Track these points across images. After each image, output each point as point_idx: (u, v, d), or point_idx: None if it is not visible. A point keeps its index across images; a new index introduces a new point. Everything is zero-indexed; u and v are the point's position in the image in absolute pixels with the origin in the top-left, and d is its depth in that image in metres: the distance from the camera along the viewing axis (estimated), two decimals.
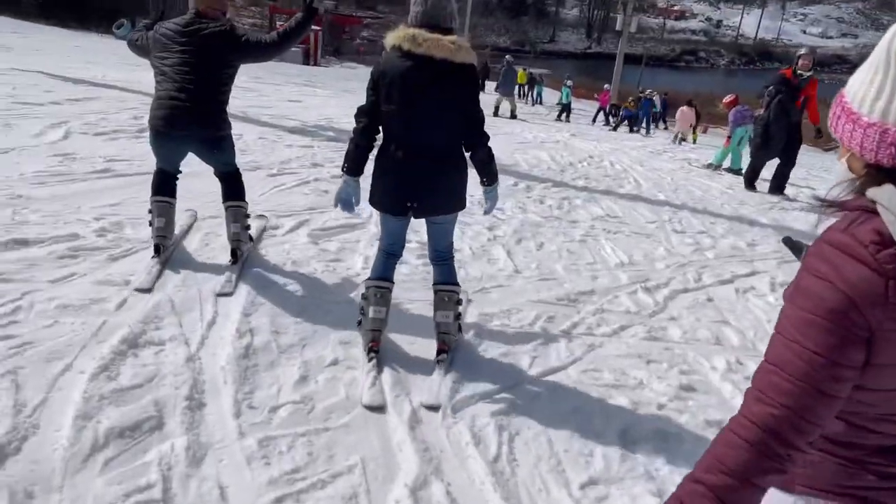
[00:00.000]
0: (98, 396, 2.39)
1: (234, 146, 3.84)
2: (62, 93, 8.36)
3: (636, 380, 3.11)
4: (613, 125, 19.84)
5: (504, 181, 6.54)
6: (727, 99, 11.06)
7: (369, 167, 2.89)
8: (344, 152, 2.87)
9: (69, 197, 4.49)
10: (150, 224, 3.76)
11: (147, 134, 3.66)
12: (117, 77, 11.85)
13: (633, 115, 20.27)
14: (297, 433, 2.40)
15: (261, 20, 52.36)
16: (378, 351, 2.92)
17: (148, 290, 3.30)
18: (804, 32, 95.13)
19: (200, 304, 3.24)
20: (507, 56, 19.30)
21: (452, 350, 3.03)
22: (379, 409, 2.62)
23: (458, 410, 2.66)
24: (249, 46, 3.59)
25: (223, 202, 3.88)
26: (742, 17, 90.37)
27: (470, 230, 4.94)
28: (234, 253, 3.77)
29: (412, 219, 2.92)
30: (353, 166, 2.83)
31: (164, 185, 3.78)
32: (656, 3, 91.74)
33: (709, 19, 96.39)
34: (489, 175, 2.90)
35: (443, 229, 2.97)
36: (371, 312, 2.93)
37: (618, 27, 42.70)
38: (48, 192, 4.52)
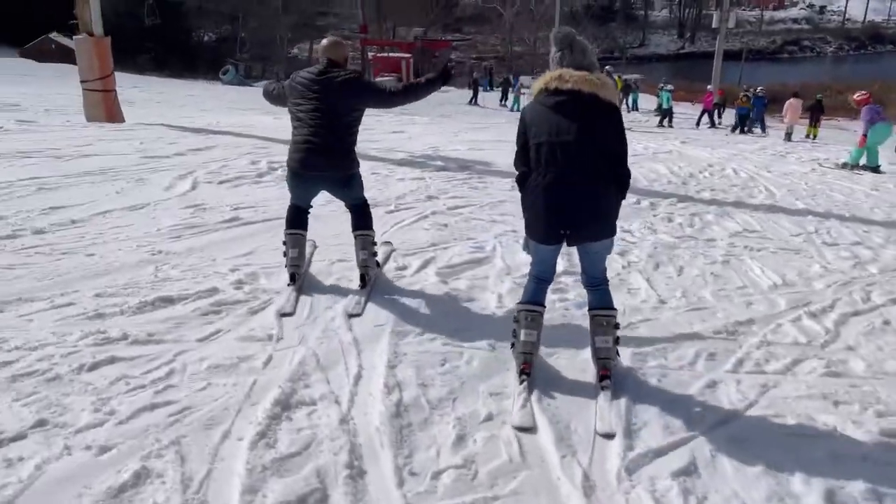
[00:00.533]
0: (260, 467, 2.32)
1: (362, 182, 4.13)
2: (184, 143, 8.80)
3: (827, 426, 2.75)
4: (732, 127, 18.24)
5: (626, 199, 6.26)
6: (858, 96, 10.20)
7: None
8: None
9: (204, 249, 4.60)
10: (285, 255, 4.03)
11: (266, 178, 3.84)
12: (230, 122, 12.43)
13: (747, 113, 18.76)
14: (464, 503, 2.23)
15: (353, 52, 54.28)
16: (529, 374, 2.96)
17: (291, 314, 3.60)
18: None
19: (344, 356, 3.16)
20: (607, 66, 18.83)
21: (613, 375, 3.00)
22: (529, 430, 2.65)
23: (634, 471, 2.41)
24: (374, 93, 3.91)
25: (353, 231, 4.14)
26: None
27: None
28: (363, 278, 4.02)
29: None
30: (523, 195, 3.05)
31: (297, 218, 4.11)
32: None
33: (811, 6, 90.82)
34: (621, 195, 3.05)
35: (597, 256, 3.06)
36: (522, 335, 2.99)
37: (714, 24, 41.02)
38: (185, 245, 4.65)
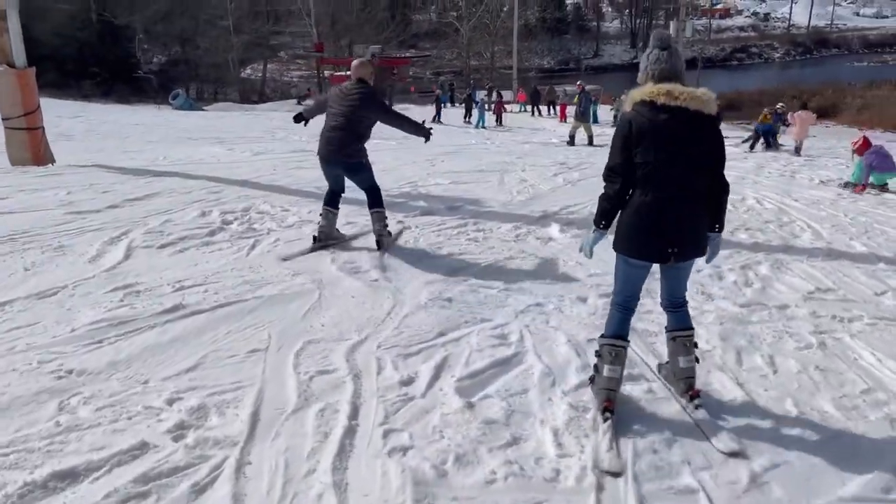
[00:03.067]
0: None
1: (371, 172, 5.35)
2: (120, 191, 7.47)
3: None
4: (750, 144, 16.31)
5: None
6: (856, 141, 9.45)
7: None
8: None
9: (133, 362, 3.36)
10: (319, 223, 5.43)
11: (219, 238, 5.44)
12: (177, 157, 11.11)
13: (770, 129, 16.49)
14: None
15: (308, 71, 52.82)
16: (613, 412, 2.86)
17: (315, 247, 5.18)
18: (858, 15, 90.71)
19: None
20: (578, 81, 17.95)
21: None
22: (616, 474, 2.50)
23: None
24: (381, 109, 5.30)
25: (369, 209, 5.38)
26: (791, 6, 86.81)
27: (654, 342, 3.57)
28: (378, 243, 5.34)
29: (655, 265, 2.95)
30: (608, 223, 2.93)
31: (331, 198, 5.43)
32: (699, 5, 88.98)
33: (755, 13, 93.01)
34: (721, 221, 2.98)
35: (685, 274, 3.06)
36: (606, 371, 2.92)
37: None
38: (106, 358, 3.39)
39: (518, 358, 3.48)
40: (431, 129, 5.54)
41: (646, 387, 3.19)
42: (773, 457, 2.63)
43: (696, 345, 3.07)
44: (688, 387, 2.99)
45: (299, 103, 39.66)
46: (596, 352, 3.01)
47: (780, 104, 17.33)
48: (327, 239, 5.39)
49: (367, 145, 5.34)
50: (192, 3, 47.86)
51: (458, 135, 20.00)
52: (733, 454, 2.60)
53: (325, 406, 2.97)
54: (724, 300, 4.35)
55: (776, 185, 9.11)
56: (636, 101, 2.77)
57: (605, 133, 19.41)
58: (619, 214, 2.89)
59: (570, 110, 23.96)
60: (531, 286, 4.61)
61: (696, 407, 2.92)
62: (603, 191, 2.87)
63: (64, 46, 42.96)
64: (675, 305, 3.07)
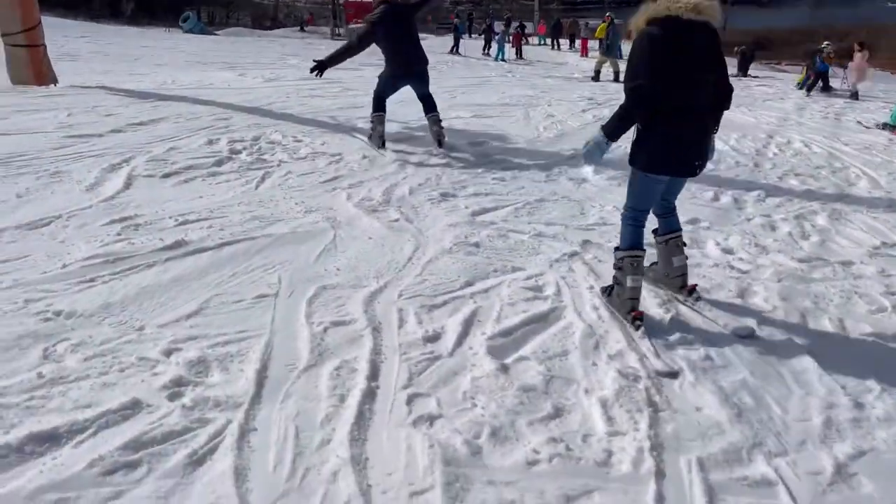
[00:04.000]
0: None
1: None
2: (125, 115, 7.04)
3: None
4: (808, 86, 14.71)
5: (702, 195, 4.80)
6: None
7: None
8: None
9: (128, 305, 3.02)
10: (373, 130, 6.23)
11: (226, 168, 5.18)
12: (186, 81, 10.61)
13: (827, 70, 15.00)
14: None
15: None
16: (643, 319, 2.94)
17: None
18: None
19: None
20: (607, 13, 16.95)
21: None
22: (674, 374, 2.60)
23: None
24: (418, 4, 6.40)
25: (426, 114, 6.31)
26: None
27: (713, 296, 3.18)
28: (440, 142, 6.24)
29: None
30: (617, 136, 2.87)
31: (382, 104, 6.23)
32: None
33: None
34: (719, 123, 3.06)
35: (685, 181, 3.12)
36: (629, 282, 2.97)
37: None
38: (98, 298, 3.05)
39: (556, 314, 3.11)
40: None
41: (703, 353, 2.82)
42: (858, 442, 2.27)
43: (684, 243, 3.25)
44: (683, 283, 3.20)
45: (302, 29, 38.40)
46: (615, 265, 3.07)
47: (827, 43, 15.90)
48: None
49: (379, 72, 6.36)
50: None
51: (477, 67, 19.18)
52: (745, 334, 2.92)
53: (340, 364, 2.62)
54: (780, 254, 3.93)
55: (821, 127, 8.52)
56: (657, 17, 2.72)
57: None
58: (637, 131, 2.89)
59: (592, 45, 22.95)
60: (566, 233, 4.20)
61: (697, 299, 3.14)
62: (625, 107, 2.77)
63: None
64: (670, 211, 3.19)
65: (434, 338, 2.85)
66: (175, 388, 2.43)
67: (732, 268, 3.68)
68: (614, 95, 11.42)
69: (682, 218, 3.61)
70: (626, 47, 19.64)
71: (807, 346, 2.88)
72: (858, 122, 9.22)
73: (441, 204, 4.70)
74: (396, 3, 5.86)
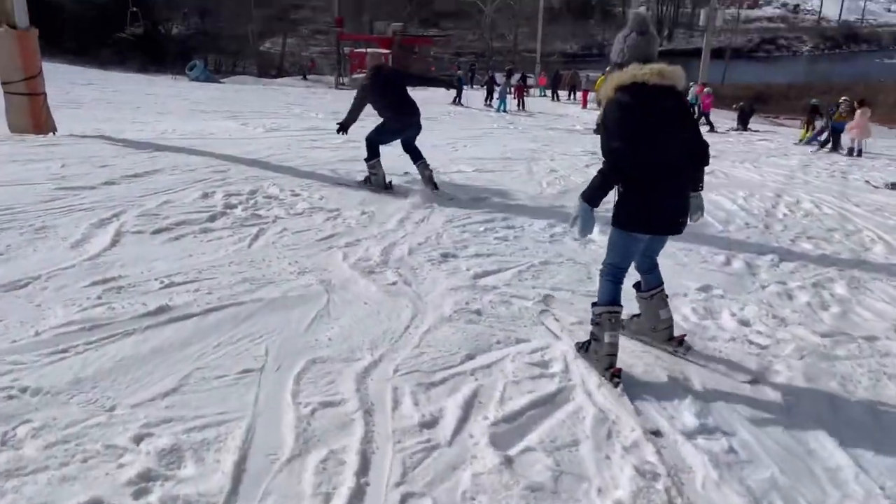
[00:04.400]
0: None
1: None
2: (120, 166, 6.91)
3: None
4: (820, 143, 14.65)
5: (710, 258, 4.61)
6: None
7: None
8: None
9: (99, 382, 2.78)
10: (375, 175, 6.62)
11: (219, 224, 5.00)
12: (187, 130, 10.57)
13: (842, 128, 14.59)
14: None
15: (327, 47, 51.88)
16: (621, 376, 2.94)
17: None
18: (890, 10, 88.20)
19: None
20: (607, 67, 17.03)
21: None
22: (657, 433, 2.56)
23: None
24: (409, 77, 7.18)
25: (415, 162, 6.68)
26: None
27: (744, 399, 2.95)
28: (434, 185, 6.62)
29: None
30: (599, 201, 2.87)
31: (377, 151, 6.56)
32: None
33: (784, 4, 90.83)
34: (703, 180, 3.20)
35: (667, 240, 3.21)
36: (607, 338, 3.00)
37: (701, 22, 40.12)
38: (69, 374, 2.82)
39: (563, 395, 2.87)
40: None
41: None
42: None
43: (667, 295, 3.31)
44: (670, 335, 3.26)
45: (304, 78, 38.91)
46: (593, 321, 3.08)
47: (844, 98, 15.54)
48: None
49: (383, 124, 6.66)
50: None
51: (480, 118, 19.29)
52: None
53: (327, 454, 2.38)
54: (801, 327, 3.70)
55: (829, 186, 8.38)
56: (624, 84, 2.82)
57: None
58: (617, 193, 2.93)
59: (592, 96, 23.17)
60: (573, 299, 3.99)
61: (687, 350, 3.24)
62: (603, 172, 2.82)
63: (84, 14, 42.45)
64: (654, 266, 3.25)
65: (431, 423, 2.61)
66: (142, 483, 2.18)
67: (751, 343, 3.45)
68: None
69: (693, 284, 3.44)
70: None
71: (839, 437, 2.63)
72: (867, 182, 9.11)
73: (441, 265, 4.50)
74: (387, 67, 6.75)
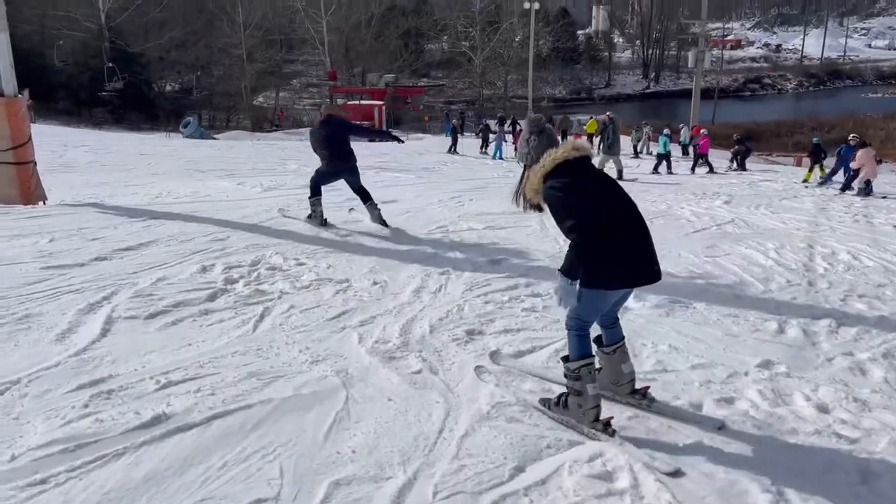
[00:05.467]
0: None
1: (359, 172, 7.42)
2: (112, 238, 6.50)
3: None
4: (841, 186, 13.92)
5: (765, 329, 4.14)
6: None
7: None
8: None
9: None
10: (314, 211, 7.43)
11: (221, 303, 4.68)
12: (183, 192, 10.21)
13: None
14: None
15: (320, 100, 52.23)
16: (611, 424, 2.99)
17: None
18: (870, 47, 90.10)
19: None
20: (607, 113, 16.93)
21: None
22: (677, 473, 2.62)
23: None
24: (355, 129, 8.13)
25: (364, 203, 7.44)
26: (804, 38, 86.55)
27: None
28: (384, 223, 7.36)
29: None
30: (577, 272, 2.94)
31: (318, 190, 7.43)
32: (710, 36, 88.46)
33: (767, 45, 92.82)
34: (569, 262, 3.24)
35: (631, 293, 3.28)
36: (590, 390, 3.01)
37: (690, 64, 40.70)
38: None
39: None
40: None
41: None
42: None
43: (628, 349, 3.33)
44: (632, 388, 3.26)
45: (276, 126, 39.01)
46: (571, 376, 3.06)
47: (853, 135, 15.22)
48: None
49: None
50: (206, 32, 47.72)
51: (477, 167, 19.07)
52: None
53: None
54: (887, 412, 3.25)
55: (857, 233, 8.01)
56: (549, 171, 3.02)
57: (628, 165, 18.37)
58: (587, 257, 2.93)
59: (583, 140, 22.98)
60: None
61: (651, 402, 3.23)
62: (572, 246, 2.93)
63: (78, 74, 42.73)
64: (616, 321, 3.27)
65: None
66: None
67: (839, 436, 2.99)
68: None
69: (752, 360, 3.06)
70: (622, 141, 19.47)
71: None
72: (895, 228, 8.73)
73: (468, 346, 4.06)
74: (337, 118, 7.42)
